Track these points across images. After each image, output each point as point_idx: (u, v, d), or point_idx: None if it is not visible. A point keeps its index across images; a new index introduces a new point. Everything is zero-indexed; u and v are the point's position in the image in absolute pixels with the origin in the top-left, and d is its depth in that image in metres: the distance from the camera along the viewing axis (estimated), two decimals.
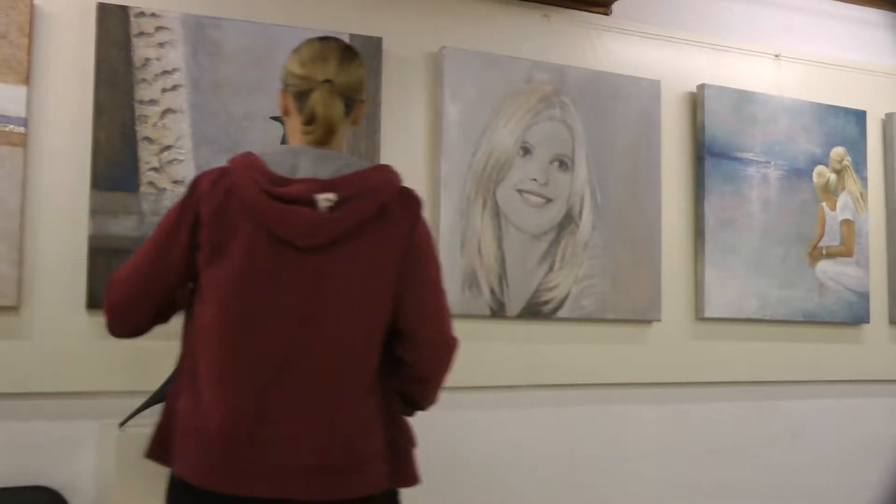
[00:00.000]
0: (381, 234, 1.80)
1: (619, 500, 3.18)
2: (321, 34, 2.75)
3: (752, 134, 3.46)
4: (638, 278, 3.21)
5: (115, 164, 2.56)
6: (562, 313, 3.08)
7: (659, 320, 3.24)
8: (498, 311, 2.98)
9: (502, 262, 3.00)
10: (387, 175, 1.88)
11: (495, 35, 3.10)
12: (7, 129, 2.46)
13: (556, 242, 3.09)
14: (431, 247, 1.92)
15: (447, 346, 1.96)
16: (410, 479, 1.90)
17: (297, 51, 1.94)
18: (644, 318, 3.22)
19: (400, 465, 1.86)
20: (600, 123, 3.20)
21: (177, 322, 1.92)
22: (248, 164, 1.82)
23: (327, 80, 1.84)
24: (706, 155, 3.36)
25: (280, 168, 1.79)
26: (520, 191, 3.05)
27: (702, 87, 3.39)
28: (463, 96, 2.99)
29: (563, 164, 3.13)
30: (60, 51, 2.55)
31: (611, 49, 3.29)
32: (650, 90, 3.29)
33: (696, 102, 3.40)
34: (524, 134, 3.07)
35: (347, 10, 2.91)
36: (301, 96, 1.87)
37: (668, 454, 3.27)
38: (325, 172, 1.79)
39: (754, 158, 3.46)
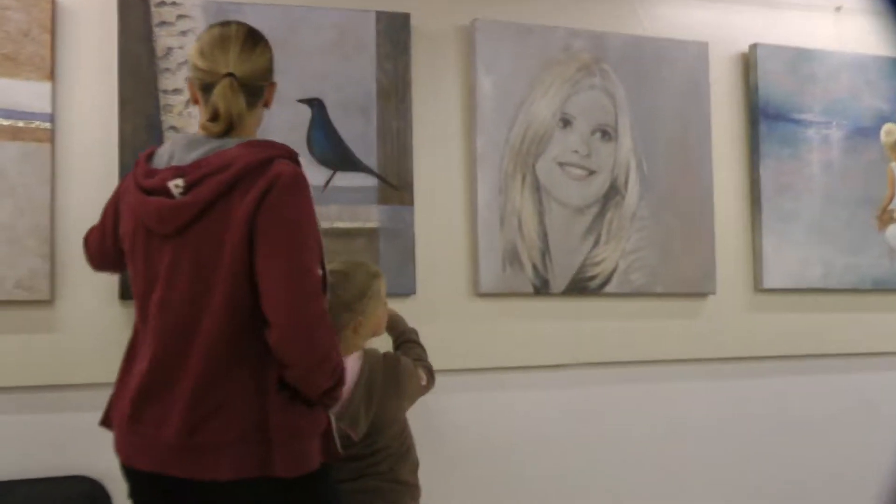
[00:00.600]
0: (228, 212, 1.75)
1: (676, 481, 3.06)
2: (345, 13, 2.79)
3: (811, 93, 3.27)
4: (690, 250, 3.08)
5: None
6: (609, 288, 2.97)
7: (714, 293, 3.10)
8: (541, 289, 2.89)
9: (544, 237, 2.91)
10: (248, 150, 1.79)
11: (528, 4, 2.99)
12: (33, 125, 2.48)
13: (600, 216, 2.98)
14: (288, 219, 1.77)
15: (302, 332, 1.75)
16: (290, 467, 1.77)
17: (199, 38, 1.92)
18: (698, 290, 3.09)
19: (278, 452, 1.76)
20: (644, 91, 3.06)
21: None
22: (140, 159, 1.91)
23: (229, 74, 1.81)
24: (761, 118, 3.20)
25: (160, 160, 1.85)
26: (561, 164, 2.95)
27: (754, 47, 3.21)
28: (497, 69, 2.89)
29: (606, 134, 3.01)
30: (83, 45, 2.56)
31: (653, 13, 3.15)
32: (697, 53, 3.13)
33: (748, 64, 3.23)
34: (563, 105, 2.96)
35: None
36: (206, 89, 1.85)
37: (727, 432, 3.14)
38: (189, 158, 1.80)
39: (814, 119, 3.27)
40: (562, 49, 2.97)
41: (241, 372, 1.76)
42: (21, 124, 2.49)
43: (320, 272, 1.81)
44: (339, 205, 2.72)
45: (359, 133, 2.75)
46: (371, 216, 2.74)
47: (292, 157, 1.86)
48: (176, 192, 1.76)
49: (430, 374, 2.44)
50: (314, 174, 2.67)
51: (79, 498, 2.44)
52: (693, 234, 3.09)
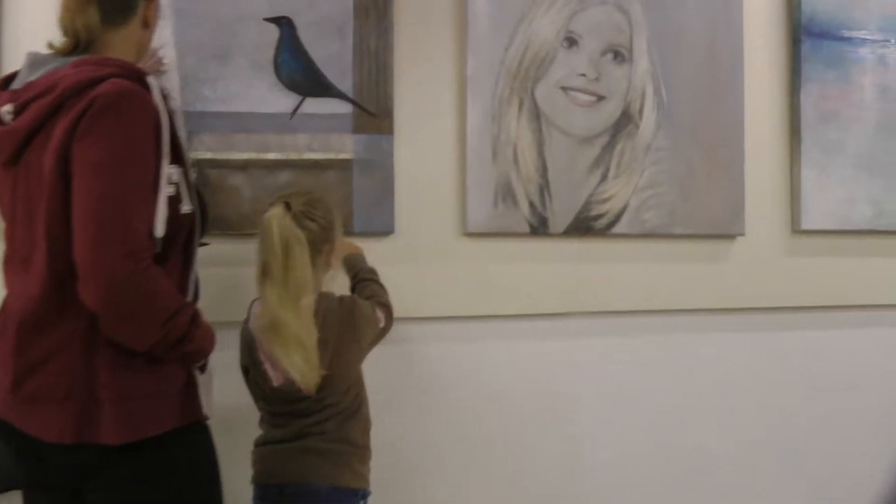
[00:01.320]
0: (52, 134, 1.57)
1: (695, 444, 2.75)
2: None
3: (864, 7, 2.87)
4: (715, 186, 2.73)
5: None
6: (618, 228, 2.66)
7: (742, 234, 2.75)
8: (539, 228, 2.60)
9: (543, 171, 2.61)
10: (78, 70, 1.61)
11: None
12: None
13: (609, 147, 2.65)
14: (98, 145, 1.55)
15: (101, 276, 1.54)
16: (121, 432, 1.58)
17: None
18: (723, 232, 2.75)
19: (105, 415, 1.57)
20: (664, 5, 2.70)
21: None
22: None
23: None
24: (803, 36, 2.80)
25: (17, 84, 1.68)
26: (564, 88, 2.63)
27: None
28: None
29: (619, 55, 2.67)
30: None
31: None
32: None
33: None
34: (569, 22, 2.63)
35: None
36: None
37: (757, 391, 2.80)
38: (27, 80, 1.65)
39: (868, 37, 2.86)
40: None
41: (69, 322, 1.58)
42: None
43: (157, 207, 1.61)
44: (309, 133, 2.46)
45: (333, 54, 2.48)
46: (345, 146, 2.49)
47: (134, 75, 1.63)
48: (7, 118, 1.61)
49: (389, 313, 2.21)
50: (281, 100, 2.45)
51: None
52: (719, 168, 2.73)
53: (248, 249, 2.30)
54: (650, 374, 2.72)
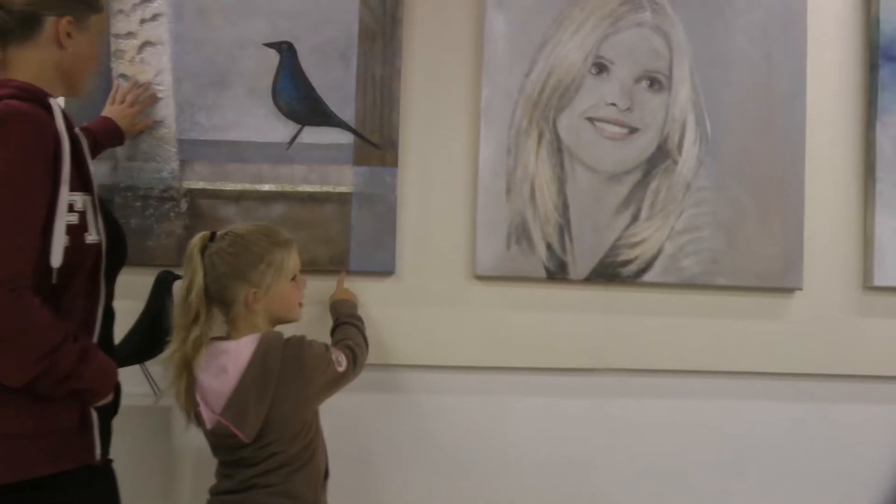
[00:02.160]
0: None
1: None
2: None
3: None
4: (767, 231, 2.39)
5: (89, 106, 2.28)
6: (650, 276, 2.36)
7: (800, 288, 2.39)
8: (557, 273, 2.34)
9: (564, 210, 2.35)
10: None
11: None
12: None
13: (642, 184, 2.37)
14: None
15: None
16: None
17: None
18: (776, 285, 2.39)
19: None
20: (712, 27, 2.40)
21: None
22: None
23: None
24: (881, 60, 2.44)
25: None
26: (591, 119, 2.37)
27: None
28: (513, 3, 2.36)
29: (656, 82, 2.39)
30: None
31: None
32: None
33: None
34: (599, 46, 2.38)
35: None
36: None
37: (816, 467, 2.41)
38: None
39: None
40: None
41: None
42: None
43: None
44: (307, 164, 2.32)
45: (335, 81, 2.33)
46: (344, 178, 2.32)
47: (32, 97, 1.52)
48: None
49: (353, 356, 2.01)
50: (278, 129, 2.32)
51: None
52: (772, 212, 2.39)
53: None
54: (685, 443, 2.39)
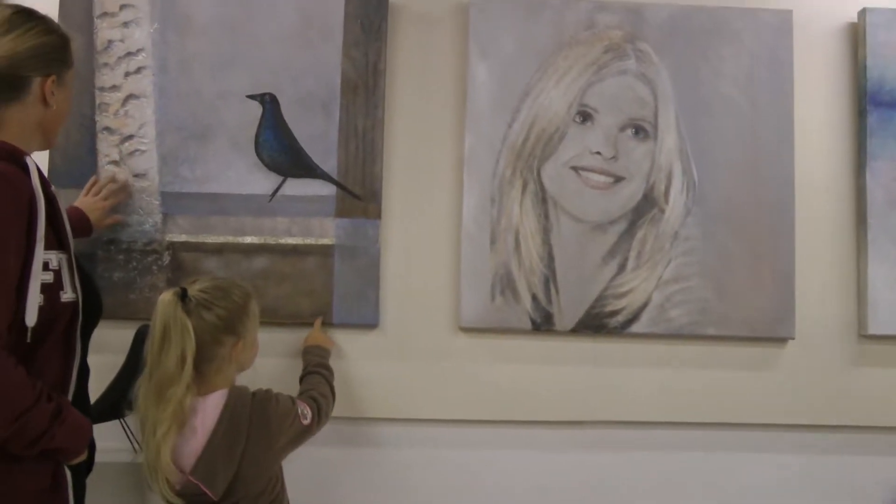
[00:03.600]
0: None
1: None
2: None
3: None
4: (758, 280, 2.34)
5: (73, 159, 2.30)
6: (637, 327, 2.32)
7: (793, 338, 2.34)
8: (542, 324, 2.30)
9: (549, 260, 2.32)
10: None
11: None
12: None
13: (628, 234, 2.34)
14: None
15: None
16: None
17: None
18: (768, 335, 2.34)
19: None
20: (697, 74, 2.38)
21: None
22: None
23: None
24: (869, 106, 2.39)
25: None
26: (576, 168, 2.35)
27: (864, 13, 2.42)
28: (496, 53, 2.35)
29: (641, 130, 2.37)
30: None
31: None
32: (777, 24, 2.40)
33: (855, 35, 2.44)
34: (583, 95, 2.36)
35: None
36: None
37: None
38: None
39: None
40: (584, 26, 2.37)
41: None
42: None
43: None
44: (289, 217, 2.31)
45: (318, 133, 2.33)
46: (326, 231, 2.31)
47: (6, 156, 1.52)
48: None
49: (318, 408, 1.99)
50: (260, 181, 2.31)
51: None
52: (763, 260, 2.34)
53: None
54: (675, 496, 2.33)
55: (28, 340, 1.52)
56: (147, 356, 1.81)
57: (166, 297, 1.81)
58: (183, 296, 1.82)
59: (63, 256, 1.60)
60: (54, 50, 1.64)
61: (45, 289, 1.54)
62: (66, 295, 1.60)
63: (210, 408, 1.83)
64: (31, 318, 1.51)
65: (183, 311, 1.79)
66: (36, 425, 1.49)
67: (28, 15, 1.63)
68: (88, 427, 1.63)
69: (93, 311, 1.72)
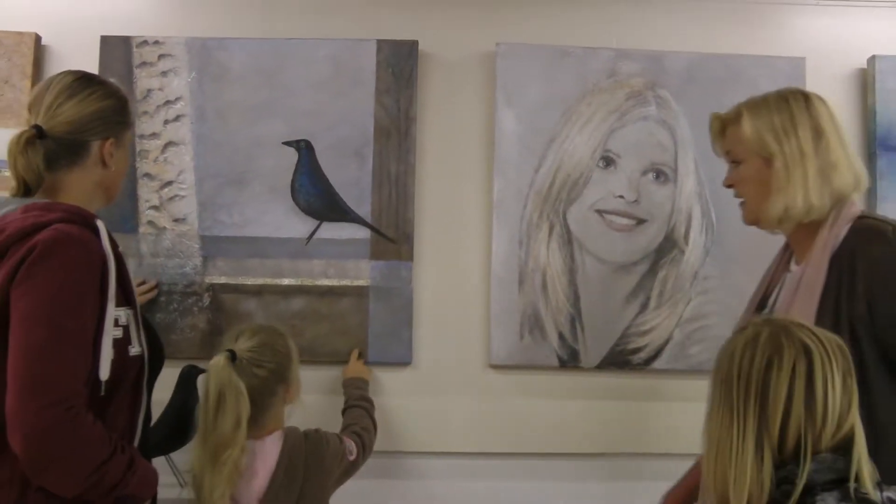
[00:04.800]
0: None
1: None
2: (342, 43, 2.46)
3: None
4: None
5: (115, 205, 2.26)
6: (659, 364, 2.42)
7: None
8: (569, 361, 2.41)
9: (575, 300, 2.42)
10: (24, 216, 1.58)
11: (564, 24, 2.52)
12: (4, 174, 2.40)
13: (650, 274, 2.44)
14: (31, 292, 1.51)
15: (21, 421, 1.47)
16: None
17: None
18: None
19: None
20: None
21: None
22: None
23: (34, 127, 1.62)
24: (879, 150, 2.51)
25: None
26: (600, 211, 2.45)
27: (873, 60, 2.53)
28: (522, 101, 2.45)
29: (662, 174, 2.47)
30: None
31: (729, 23, 2.57)
32: (790, 72, 2.50)
33: (865, 81, 2.55)
34: (606, 140, 2.46)
35: (375, 13, 2.50)
36: None
37: None
38: None
39: None
40: (606, 74, 2.48)
41: (3, 467, 1.52)
42: None
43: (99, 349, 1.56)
44: (325, 259, 2.40)
45: (352, 178, 2.42)
46: (361, 273, 2.40)
47: (80, 220, 1.59)
48: None
49: (362, 443, 2.09)
50: (297, 225, 2.40)
51: None
52: None
53: None
54: None
55: (101, 394, 1.60)
56: (200, 419, 1.87)
57: (218, 361, 1.88)
58: (233, 358, 1.89)
59: (130, 312, 1.68)
60: (114, 113, 1.71)
61: (116, 344, 1.62)
62: (134, 349, 1.68)
63: (269, 450, 1.92)
64: (104, 373, 1.59)
65: (236, 375, 1.85)
66: (112, 476, 1.57)
67: (89, 80, 1.71)
68: (156, 476, 1.72)
69: (156, 363, 1.80)
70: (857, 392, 1.35)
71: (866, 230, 1.69)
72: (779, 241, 2.44)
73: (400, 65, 2.44)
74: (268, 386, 1.92)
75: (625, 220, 2.46)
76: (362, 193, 2.42)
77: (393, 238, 2.41)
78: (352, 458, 2.04)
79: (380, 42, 2.44)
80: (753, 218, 1.86)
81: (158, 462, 2.19)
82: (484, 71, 2.49)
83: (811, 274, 1.70)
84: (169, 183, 2.41)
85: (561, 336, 2.41)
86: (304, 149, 2.42)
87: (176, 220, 2.40)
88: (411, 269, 2.41)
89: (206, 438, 1.85)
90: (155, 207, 2.40)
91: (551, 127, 2.46)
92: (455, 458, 2.41)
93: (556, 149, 2.45)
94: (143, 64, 2.43)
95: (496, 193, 2.43)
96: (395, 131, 2.44)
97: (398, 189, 2.43)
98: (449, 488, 2.41)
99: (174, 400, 2.25)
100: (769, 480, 1.30)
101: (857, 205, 1.77)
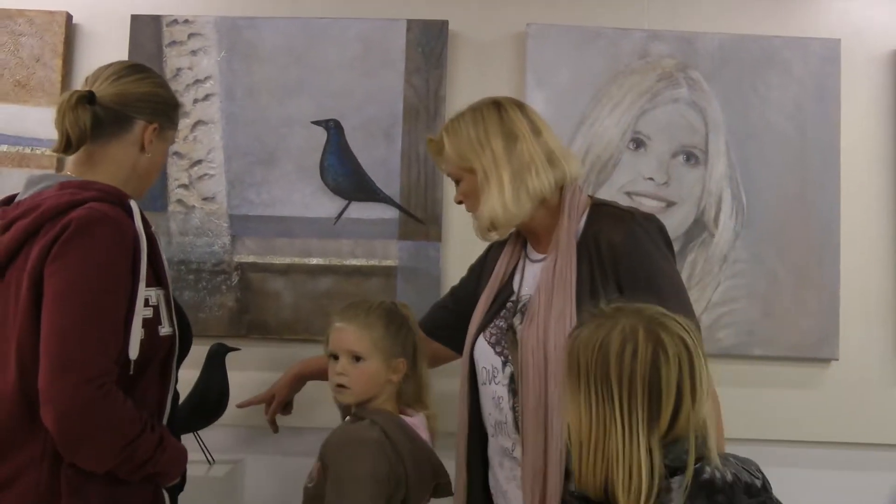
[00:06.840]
0: (30, 256, 1.53)
1: None
2: (372, 23, 2.45)
3: None
4: (803, 303, 2.43)
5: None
6: None
7: (836, 359, 2.43)
8: None
9: None
10: (60, 192, 1.59)
11: (595, 5, 2.51)
12: (38, 151, 2.42)
13: (680, 257, 2.41)
14: (64, 271, 1.51)
15: (54, 398, 1.48)
16: None
17: None
18: (812, 355, 2.43)
19: None
20: (747, 102, 2.46)
21: None
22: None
23: (88, 91, 1.63)
24: None
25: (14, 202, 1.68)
26: (629, 193, 2.43)
27: None
28: (552, 82, 2.45)
29: (692, 157, 2.45)
30: (93, 68, 2.45)
31: (762, 4, 2.54)
32: (825, 53, 2.47)
33: None
34: (636, 122, 2.45)
35: None
36: None
37: None
38: (24, 196, 1.64)
39: None
40: (637, 55, 2.46)
41: (35, 443, 1.54)
42: (27, 150, 2.44)
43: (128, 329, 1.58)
44: (353, 239, 2.41)
45: (380, 158, 2.43)
46: (389, 253, 2.41)
47: (114, 199, 1.60)
48: None
49: None
50: (325, 205, 2.41)
51: None
52: (808, 283, 2.43)
53: (286, 354, 2.28)
54: None
55: (131, 373, 1.62)
56: None
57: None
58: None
59: (161, 293, 1.69)
60: (164, 103, 1.73)
61: (146, 324, 1.63)
62: (164, 329, 1.69)
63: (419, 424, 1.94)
64: (133, 352, 1.60)
65: None
66: (142, 453, 1.58)
67: (144, 68, 1.75)
68: (185, 454, 1.73)
69: (184, 343, 1.82)
70: None
71: (607, 217, 1.78)
72: (809, 226, 2.43)
73: (430, 45, 2.44)
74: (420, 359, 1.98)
75: (654, 203, 2.44)
76: (391, 174, 2.42)
77: (421, 218, 2.41)
78: None
79: (410, 22, 2.44)
80: (480, 231, 1.89)
81: (187, 440, 2.24)
82: (514, 52, 2.48)
83: (563, 265, 1.75)
84: (198, 162, 2.42)
85: None
86: (334, 128, 2.42)
87: (205, 199, 2.41)
88: (439, 249, 2.41)
89: None
90: (184, 186, 2.42)
91: (581, 108, 2.45)
92: None
93: (585, 131, 2.44)
94: (173, 43, 2.44)
95: None
96: (425, 112, 2.44)
97: (427, 169, 2.42)
98: None
99: (202, 377, 2.27)
100: (659, 476, 1.32)
101: (583, 191, 1.85)
